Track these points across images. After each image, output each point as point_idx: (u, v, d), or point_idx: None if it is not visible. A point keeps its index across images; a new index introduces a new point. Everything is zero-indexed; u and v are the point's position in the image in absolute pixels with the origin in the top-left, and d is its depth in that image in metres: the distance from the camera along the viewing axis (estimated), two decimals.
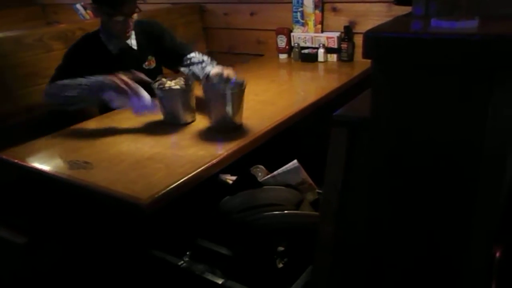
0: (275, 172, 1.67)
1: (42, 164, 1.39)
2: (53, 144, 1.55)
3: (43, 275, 1.59)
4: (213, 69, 1.73)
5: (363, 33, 0.83)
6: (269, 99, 1.83)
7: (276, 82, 2.14)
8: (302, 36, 2.45)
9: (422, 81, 0.83)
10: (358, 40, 2.31)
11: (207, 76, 1.72)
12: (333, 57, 2.37)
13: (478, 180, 0.83)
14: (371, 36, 0.83)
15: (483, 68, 0.76)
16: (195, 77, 1.84)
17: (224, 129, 1.50)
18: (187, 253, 1.52)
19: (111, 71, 1.62)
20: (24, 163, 1.41)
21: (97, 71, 1.64)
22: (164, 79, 1.61)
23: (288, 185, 1.64)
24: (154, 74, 1.82)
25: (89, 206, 1.47)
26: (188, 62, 1.92)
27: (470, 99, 0.79)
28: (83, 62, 1.77)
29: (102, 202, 1.29)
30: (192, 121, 1.61)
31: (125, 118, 1.71)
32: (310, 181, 1.69)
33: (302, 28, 2.46)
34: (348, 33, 2.31)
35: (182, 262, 1.50)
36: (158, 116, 1.62)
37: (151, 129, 1.59)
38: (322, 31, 2.42)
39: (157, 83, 1.58)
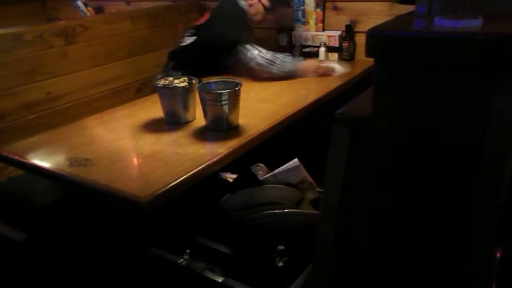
0: (276, 171, 1.67)
1: (42, 160, 1.39)
2: (53, 140, 1.55)
3: (42, 273, 1.59)
4: None
5: (366, 31, 0.83)
6: (270, 97, 1.82)
7: (277, 80, 2.13)
8: (303, 34, 2.44)
9: (425, 80, 0.82)
10: (359, 39, 2.31)
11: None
12: (334, 56, 2.37)
13: (479, 180, 0.83)
14: (374, 35, 0.83)
15: (486, 67, 0.75)
16: None
17: (220, 130, 1.49)
18: (187, 251, 1.52)
19: None
20: (24, 160, 1.40)
21: None
22: (167, 77, 1.61)
23: (288, 184, 1.64)
24: None
25: (88, 203, 1.47)
26: None
27: (473, 99, 0.78)
28: None
29: (102, 199, 1.28)
30: (193, 120, 1.61)
31: (126, 115, 1.71)
32: (311, 179, 1.68)
33: (303, 26, 2.45)
34: (349, 32, 2.30)
35: (181, 260, 1.50)
36: (159, 113, 1.62)
37: (152, 126, 1.58)
38: (323, 30, 2.42)
39: (160, 81, 1.58)
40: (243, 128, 1.50)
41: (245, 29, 1.99)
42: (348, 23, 2.32)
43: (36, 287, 1.61)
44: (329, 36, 2.35)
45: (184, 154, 1.33)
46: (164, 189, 1.15)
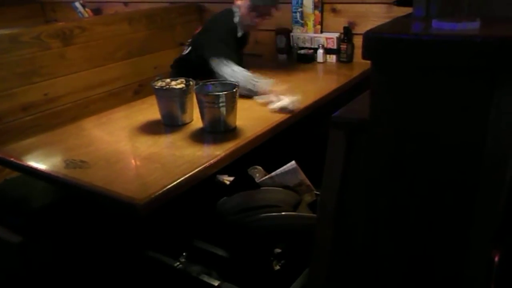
0: (273, 173, 1.66)
1: (38, 162, 1.38)
2: (49, 142, 1.54)
3: (38, 275, 1.58)
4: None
5: (363, 33, 0.82)
6: None
7: (275, 83, 2.12)
8: (301, 36, 2.44)
9: (423, 82, 0.82)
10: (357, 41, 2.31)
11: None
12: (332, 58, 2.37)
13: (478, 183, 0.82)
14: (371, 37, 0.83)
15: (484, 70, 0.75)
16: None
17: (217, 132, 1.49)
18: (183, 254, 1.52)
19: None
20: (20, 162, 1.40)
21: None
22: (164, 79, 1.60)
23: (285, 187, 1.63)
24: None
25: (85, 205, 1.46)
26: None
27: (471, 101, 0.78)
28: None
29: (98, 201, 1.28)
30: (190, 122, 1.60)
31: (123, 117, 1.70)
32: (308, 182, 1.68)
33: (302, 28, 2.45)
34: (347, 34, 2.30)
35: (178, 263, 1.49)
36: (157, 115, 1.61)
37: (149, 128, 1.58)
38: (321, 32, 2.41)
39: (157, 83, 1.57)
40: (240, 130, 1.50)
41: (227, 44, 1.96)
42: (346, 25, 2.32)
43: None
44: (327, 38, 2.35)
45: (181, 156, 1.33)
46: (160, 192, 1.14)
